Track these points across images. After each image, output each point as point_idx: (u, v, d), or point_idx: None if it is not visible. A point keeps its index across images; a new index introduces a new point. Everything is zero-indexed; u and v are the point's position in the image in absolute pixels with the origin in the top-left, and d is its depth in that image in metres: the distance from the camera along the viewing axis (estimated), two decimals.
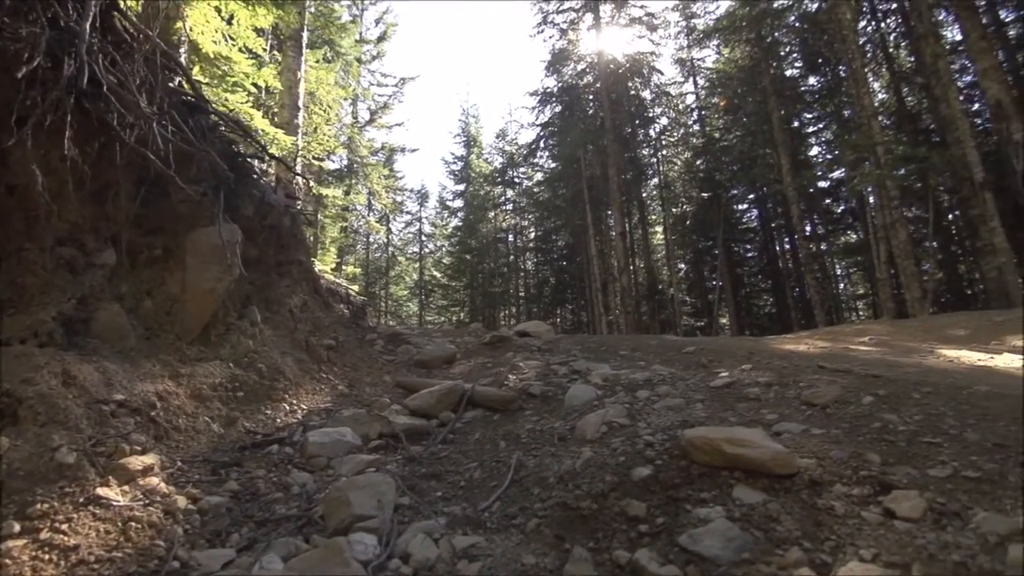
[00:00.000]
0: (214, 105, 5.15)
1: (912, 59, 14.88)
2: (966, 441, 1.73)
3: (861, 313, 20.16)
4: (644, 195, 21.93)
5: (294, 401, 3.25)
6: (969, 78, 13.45)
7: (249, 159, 3.92)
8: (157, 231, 3.04)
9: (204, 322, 3.17)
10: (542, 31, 20.07)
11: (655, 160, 21.19)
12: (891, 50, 15.33)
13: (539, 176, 24.27)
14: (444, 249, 30.27)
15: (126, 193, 2.73)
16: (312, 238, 20.87)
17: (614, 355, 4.27)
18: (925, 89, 12.79)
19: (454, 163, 29.09)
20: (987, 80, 9.34)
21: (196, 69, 5.40)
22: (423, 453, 2.56)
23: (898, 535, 1.31)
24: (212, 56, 6.59)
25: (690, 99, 21.22)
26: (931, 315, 9.86)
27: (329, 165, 23.89)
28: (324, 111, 13.20)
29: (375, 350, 4.97)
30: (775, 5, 15.60)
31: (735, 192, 20.18)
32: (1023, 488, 1.43)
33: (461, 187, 28.89)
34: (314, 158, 8.77)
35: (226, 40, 7.13)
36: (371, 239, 30.44)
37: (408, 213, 29.96)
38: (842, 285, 20.62)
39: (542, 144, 21.42)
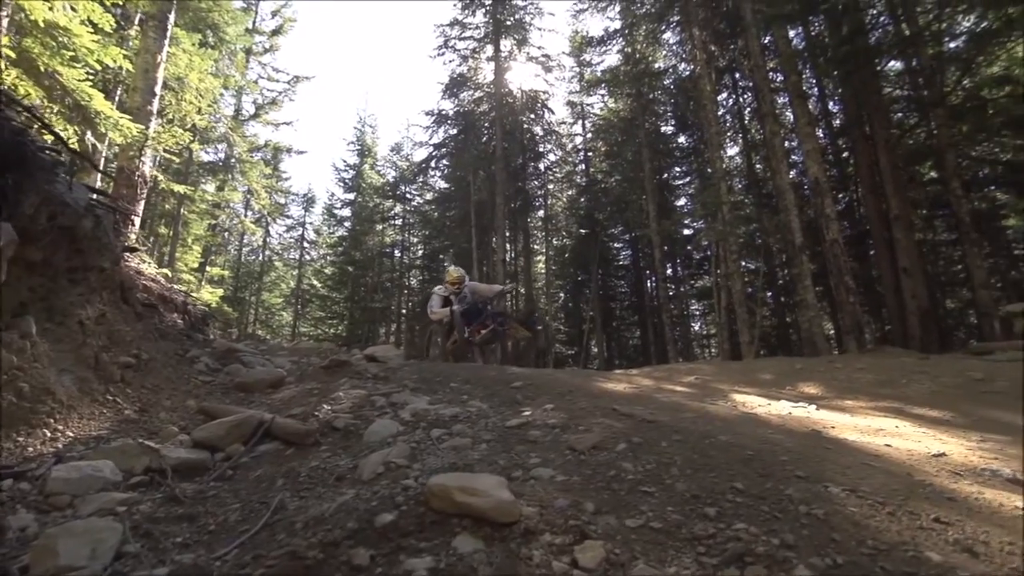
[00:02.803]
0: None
1: (761, 132, 17.09)
2: (673, 491, 1.96)
3: (714, 351, 22.33)
4: (530, 224, 22.74)
5: (60, 427, 2.90)
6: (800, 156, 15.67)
7: (48, 151, 3.50)
8: None
9: None
10: (443, 54, 20.37)
11: (542, 193, 22.12)
12: (746, 122, 17.49)
13: (430, 195, 24.28)
14: (327, 259, 29.02)
15: None
16: (172, 234, 19.10)
17: (444, 386, 4.31)
18: (767, 160, 14.69)
19: (345, 171, 28.24)
20: (809, 160, 10.94)
21: (4, 39, 4.76)
22: (190, 491, 2.39)
23: None
24: (45, 24, 5.89)
25: (578, 140, 22.54)
26: (756, 358, 11.17)
27: (203, 157, 22.14)
28: (196, 100, 12.27)
29: (194, 369, 4.60)
30: (654, 67, 17.18)
31: (612, 231, 21.62)
32: (691, 538, 1.64)
33: (351, 196, 28.05)
34: (165, 150, 8.04)
35: (67, 9, 6.42)
36: (246, 240, 28.45)
37: (290, 217, 28.47)
38: (698, 325, 22.75)
39: (434, 164, 21.52)
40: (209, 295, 19.41)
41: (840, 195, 14.98)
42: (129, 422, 3.22)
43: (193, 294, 18.49)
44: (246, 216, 25.62)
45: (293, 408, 3.62)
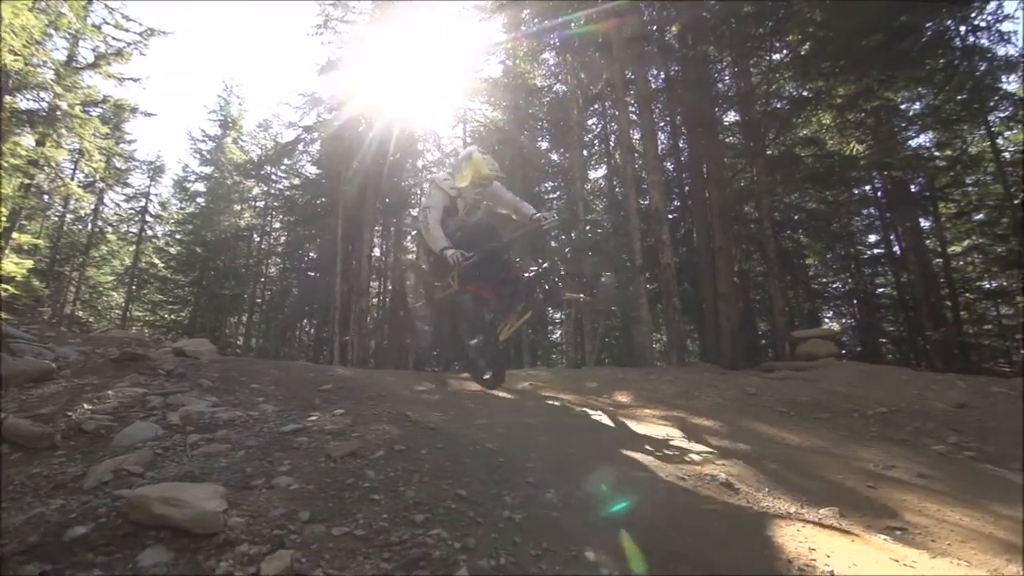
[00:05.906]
0: None
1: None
2: (401, 498, 2.06)
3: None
4: (405, 221, 22.42)
5: None
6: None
7: None
8: None
9: None
10: (322, 33, 19.39)
11: (417, 191, 21.91)
12: (611, 148, 18.84)
13: (297, 180, 22.94)
14: (174, 236, 26.14)
15: None
16: None
17: (245, 387, 4.09)
18: (622, 185, 15.94)
19: (204, 141, 25.74)
20: (653, 190, 12.06)
21: None
22: None
23: None
24: None
25: (458, 143, 22.64)
26: (595, 366, 12.05)
27: (20, 104, 18.96)
28: (10, 37, 10.51)
29: None
30: (533, 83, 17.87)
31: None
32: None
33: (207, 170, 25.58)
34: None
35: None
36: (71, 206, 24.73)
37: (131, 186, 25.24)
38: (557, 333, 23.95)
39: (303, 147, 20.38)
40: (14, 267, 16.68)
41: (682, 223, 16.72)
42: None
43: None
44: (73, 179, 22.30)
45: (46, 407, 3.23)
